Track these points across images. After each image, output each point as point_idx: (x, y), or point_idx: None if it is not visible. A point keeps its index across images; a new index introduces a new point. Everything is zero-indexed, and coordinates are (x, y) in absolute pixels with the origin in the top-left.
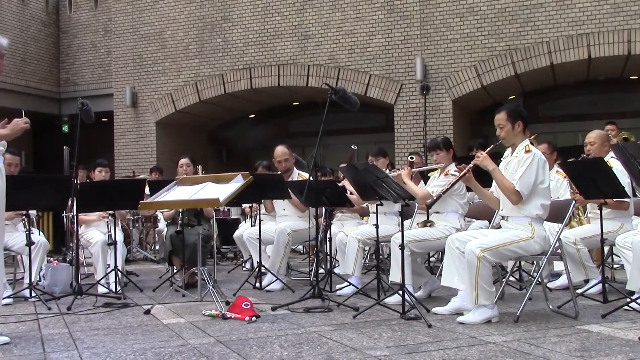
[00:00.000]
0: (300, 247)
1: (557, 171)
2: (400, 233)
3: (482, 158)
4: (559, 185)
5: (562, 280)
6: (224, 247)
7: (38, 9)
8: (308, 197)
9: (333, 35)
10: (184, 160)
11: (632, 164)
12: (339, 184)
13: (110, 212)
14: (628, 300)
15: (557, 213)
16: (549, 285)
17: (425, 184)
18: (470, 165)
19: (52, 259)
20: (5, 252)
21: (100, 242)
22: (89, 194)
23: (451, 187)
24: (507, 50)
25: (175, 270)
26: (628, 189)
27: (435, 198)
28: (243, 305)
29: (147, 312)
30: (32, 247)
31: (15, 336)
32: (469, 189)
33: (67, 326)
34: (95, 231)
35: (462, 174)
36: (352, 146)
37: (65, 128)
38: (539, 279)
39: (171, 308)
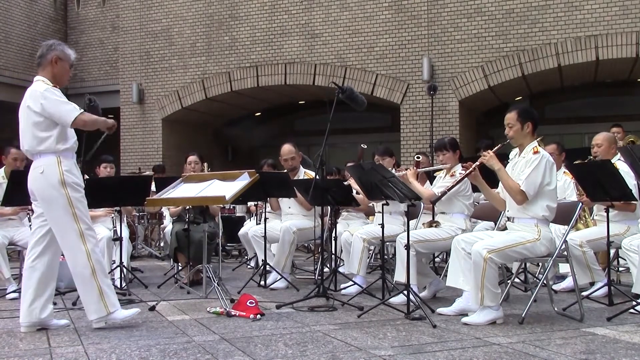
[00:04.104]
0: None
1: (564, 172)
2: (406, 233)
3: (488, 157)
4: (567, 186)
5: (568, 283)
6: (228, 244)
7: (46, 5)
8: (314, 196)
9: (340, 34)
10: (192, 157)
11: (639, 167)
12: (345, 183)
13: (116, 208)
14: (634, 303)
15: (563, 215)
16: (554, 287)
17: (432, 184)
18: (477, 163)
19: None
20: (10, 246)
21: (105, 238)
22: (95, 189)
23: (457, 184)
24: (514, 51)
25: (180, 267)
26: (635, 191)
27: (440, 195)
28: (248, 303)
29: (152, 308)
30: None
31: (20, 331)
32: (475, 190)
33: (72, 321)
34: (100, 227)
35: (468, 171)
36: (361, 145)
37: None
38: (545, 281)
39: (176, 305)
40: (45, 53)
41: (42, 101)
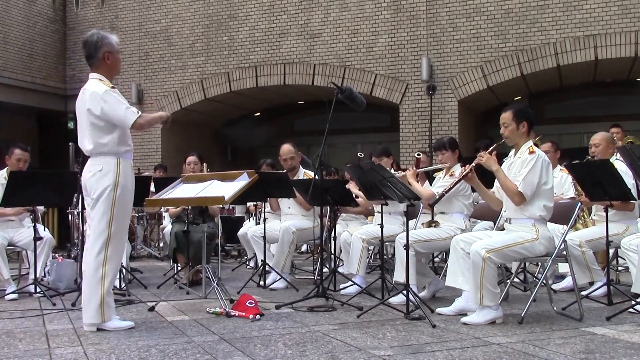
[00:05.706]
0: (305, 246)
1: (560, 169)
2: (405, 233)
3: (485, 158)
4: (564, 182)
5: (567, 282)
6: (228, 245)
7: (45, 6)
8: (313, 196)
9: (339, 34)
10: (191, 158)
11: (638, 166)
12: (346, 186)
13: None
14: (633, 302)
15: (562, 214)
16: (554, 287)
17: (431, 184)
18: (473, 164)
19: (56, 255)
20: (10, 247)
21: None
22: None
23: (453, 186)
24: (513, 51)
25: (179, 268)
26: (633, 191)
27: (437, 197)
28: (247, 304)
29: (152, 309)
30: (38, 243)
31: (19, 331)
32: (474, 190)
33: (71, 322)
34: None
35: (464, 173)
36: (358, 154)
37: (71, 124)
38: (544, 281)
39: (175, 305)
40: (94, 53)
41: (102, 104)
